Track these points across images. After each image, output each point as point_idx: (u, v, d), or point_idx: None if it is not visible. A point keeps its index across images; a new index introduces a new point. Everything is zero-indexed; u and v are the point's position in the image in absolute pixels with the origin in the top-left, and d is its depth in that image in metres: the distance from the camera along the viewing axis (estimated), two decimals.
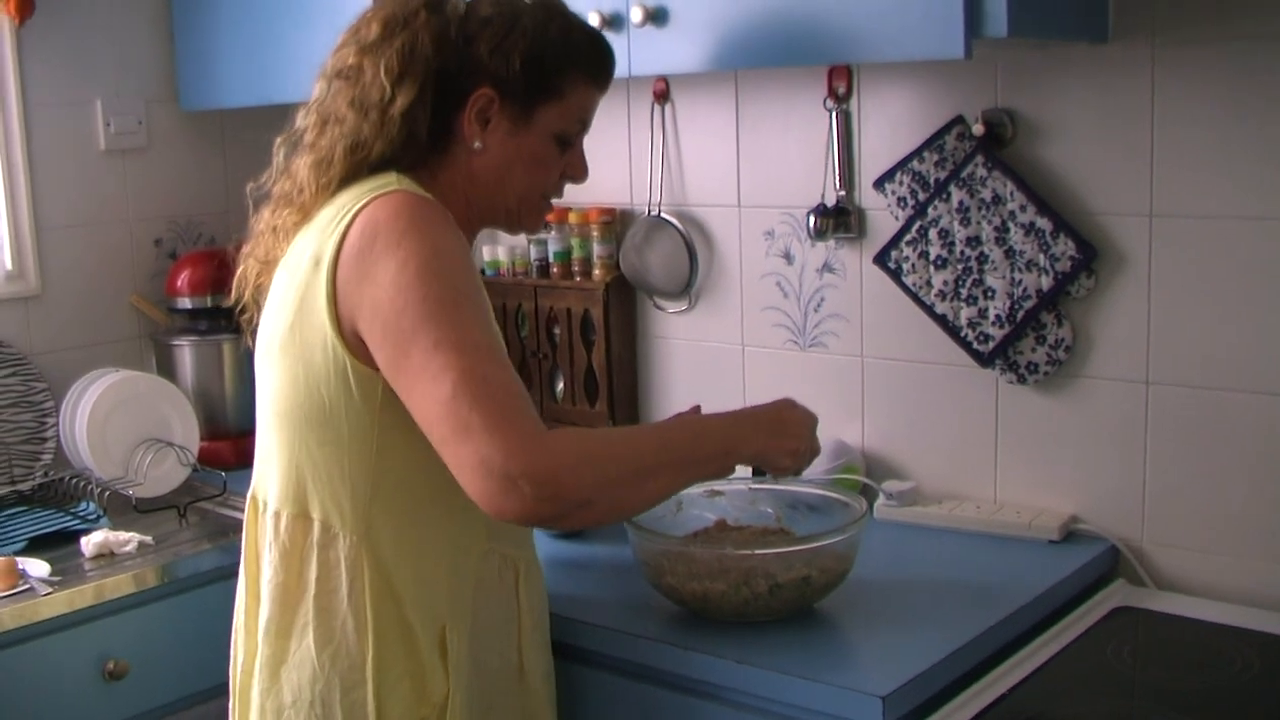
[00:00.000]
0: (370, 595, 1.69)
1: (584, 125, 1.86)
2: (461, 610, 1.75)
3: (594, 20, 2.18)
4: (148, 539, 2.45)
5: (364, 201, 1.65)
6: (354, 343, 1.63)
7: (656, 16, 2.14)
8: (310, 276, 1.66)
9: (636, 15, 2.14)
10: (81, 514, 2.57)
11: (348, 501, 1.69)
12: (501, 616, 1.82)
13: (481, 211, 1.84)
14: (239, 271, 1.86)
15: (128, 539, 2.42)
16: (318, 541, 1.70)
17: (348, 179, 1.73)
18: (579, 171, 1.90)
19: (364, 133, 1.72)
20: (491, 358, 1.58)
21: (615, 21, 2.19)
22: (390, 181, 1.69)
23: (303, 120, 1.81)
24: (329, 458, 1.69)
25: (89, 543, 2.40)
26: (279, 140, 1.84)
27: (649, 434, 1.76)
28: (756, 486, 2.18)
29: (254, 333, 1.82)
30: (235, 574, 1.88)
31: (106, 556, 2.39)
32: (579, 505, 1.58)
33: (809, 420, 1.87)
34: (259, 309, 1.82)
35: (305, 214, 1.75)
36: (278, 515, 1.74)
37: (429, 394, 1.55)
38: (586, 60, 1.83)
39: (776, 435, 1.81)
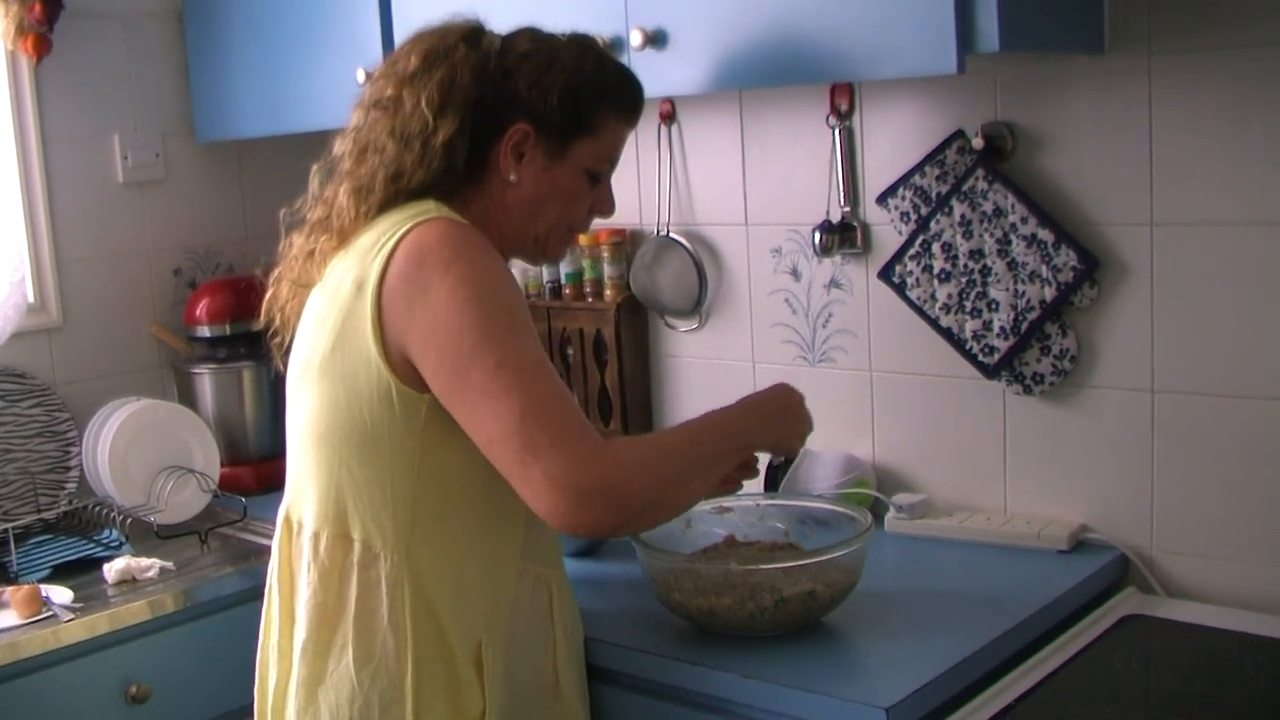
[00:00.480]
0: (410, 614, 1.70)
1: (613, 162, 1.89)
2: (498, 627, 1.76)
3: None
4: (169, 565, 2.46)
5: (406, 228, 1.67)
6: (400, 366, 1.65)
7: (656, 39, 2.15)
8: (353, 301, 1.67)
9: (636, 39, 2.16)
10: (104, 541, 2.59)
11: (389, 522, 1.70)
12: (537, 634, 1.83)
13: (510, 241, 1.85)
14: (270, 294, 1.88)
15: (149, 565, 2.43)
16: (358, 561, 1.72)
17: (385, 206, 1.75)
18: (606, 206, 1.92)
19: (405, 162, 1.74)
20: (550, 377, 1.62)
21: (615, 45, 2.20)
22: (429, 209, 1.71)
23: (340, 148, 1.83)
24: (371, 479, 1.70)
25: (111, 569, 2.41)
26: (315, 167, 1.86)
27: (685, 435, 1.78)
28: (766, 503, 2.19)
29: (285, 355, 1.83)
30: (258, 597, 1.89)
31: (129, 583, 2.40)
32: (642, 510, 1.64)
33: (803, 400, 1.91)
34: (290, 332, 1.84)
35: (343, 239, 1.77)
36: (316, 536, 1.75)
37: (493, 414, 1.58)
38: (619, 97, 1.86)
39: (787, 421, 1.87)
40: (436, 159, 1.75)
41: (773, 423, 1.85)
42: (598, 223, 2.63)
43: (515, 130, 1.78)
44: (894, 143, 2.37)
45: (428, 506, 1.71)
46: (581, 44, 1.86)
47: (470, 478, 1.68)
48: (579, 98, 1.80)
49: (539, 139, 1.79)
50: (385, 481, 1.70)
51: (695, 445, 1.74)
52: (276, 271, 1.88)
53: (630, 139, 2.63)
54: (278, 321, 1.88)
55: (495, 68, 1.79)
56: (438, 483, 1.71)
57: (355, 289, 1.68)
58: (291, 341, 1.84)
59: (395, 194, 1.75)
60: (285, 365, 1.83)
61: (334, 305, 1.71)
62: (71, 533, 2.66)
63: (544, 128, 1.79)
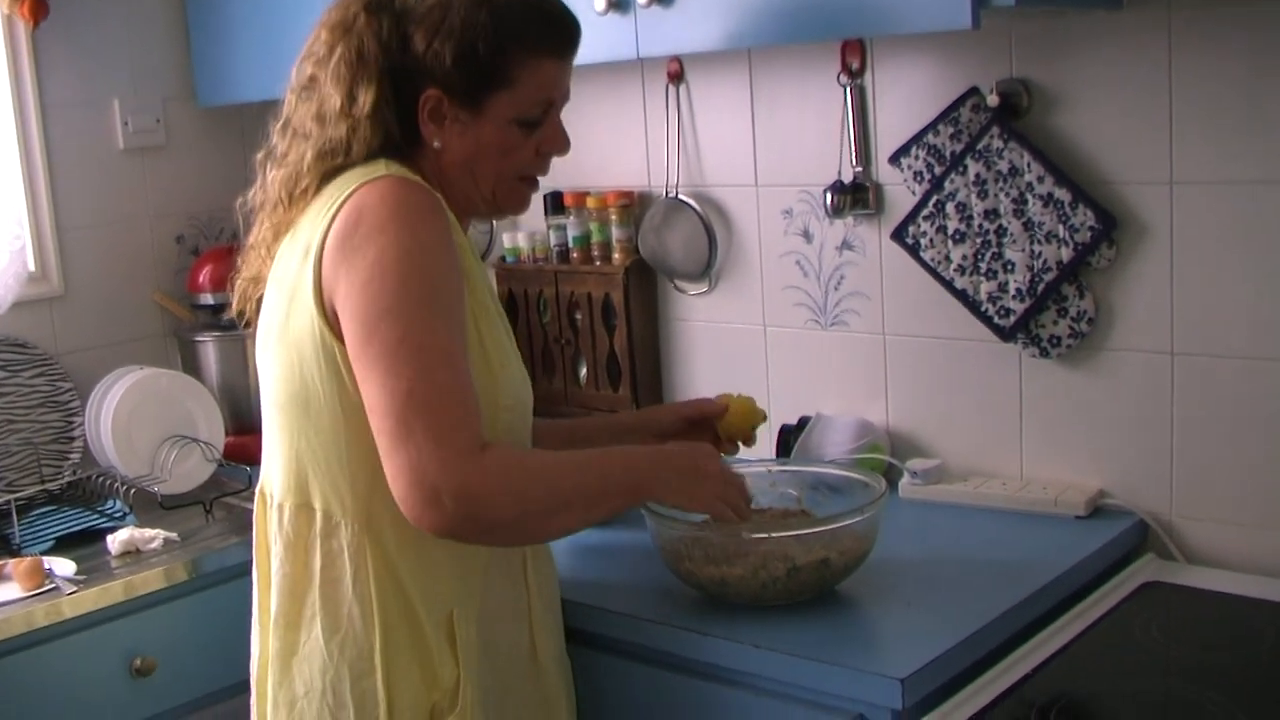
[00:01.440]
0: (374, 583, 1.69)
1: (550, 102, 1.79)
2: (469, 595, 1.75)
3: (599, 4, 2.16)
4: (173, 535, 2.45)
5: (352, 188, 1.65)
6: (339, 327, 1.64)
7: None
8: (300, 266, 1.67)
9: None
10: (108, 512, 2.58)
11: (347, 490, 1.69)
12: (511, 600, 1.82)
13: (460, 202, 1.80)
14: (236, 282, 1.88)
15: (153, 536, 2.42)
16: (320, 531, 1.71)
17: (323, 183, 1.72)
18: (556, 145, 1.83)
19: (333, 139, 1.71)
20: (449, 363, 1.59)
21: (621, 4, 2.17)
22: (379, 168, 1.68)
23: (276, 136, 1.81)
24: (326, 446, 1.69)
25: (115, 540, 2.40)
26: (260, 155, 1.83)
27: (572, 464, 1.72)
28: (777, 469, 2.18)
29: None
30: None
31: (132, 554, 2.39)
32: (490, 529, 1.61)
33: (718, 467, 1.84)
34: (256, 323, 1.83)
35: (281, 230, 1.75)
36: (281, 508, 1.75)
37: (381, 387, 1.57)
38: (533, 37, 1.74)
39: (692, 482, 1.80)
40: (369, 130, 1.70)
41: (677, 480, 1.78)
42: (606, 184, 2.67)
43: (427, 97, 1.72)
44: (907, 101, 2.34)
45: (385, 472, 1.67)
46: None
47: None
48: (476, 54, 1.71)
49: (451, 101, 1.73)
50: (339, 448, 1.68)
51: (577, 476, 1.70)
52: (239, 259, 1.88)
53: (637, 100, 2.67)
54: (249, 313, 1.86)
55: (392, 34, 1.72)
56: None
57: (303, 254, 1.67)
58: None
59: (333, 171, 1.72)
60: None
61: (286, 276, 1.70)
62: (75, 504, 2.65)
63: (451, 89, 1.72)
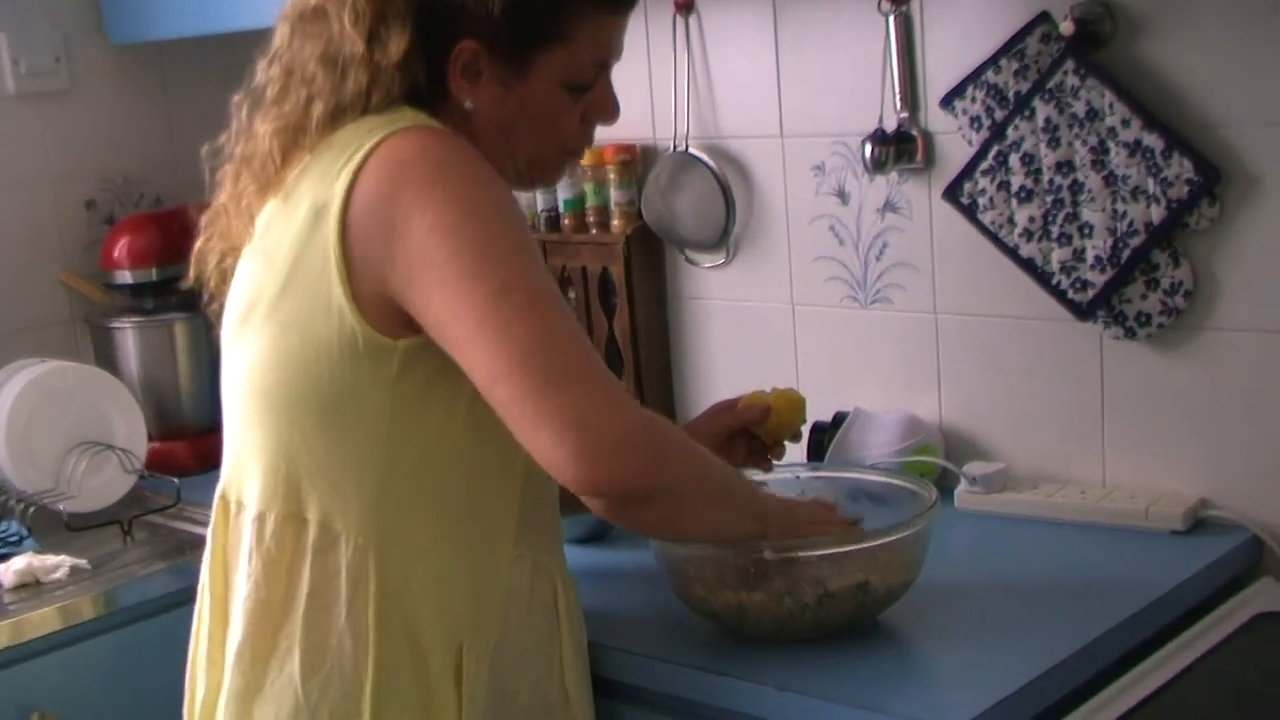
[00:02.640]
0: (374, 611, 1.67)
1: (604, 63, 1.81)
2: (486, 627, 1.74)
3: None
4: (82, 563, 2.43)
5: (377, 138, 1.63)
6: (371, 307, 1.62)
7: None
8: (310, 231, 1.64)
9: None
10: (1, 536, 2.55)
11: (353, 497, 1.68)
12: (539, 638, 1.81)
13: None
14: (198, 246, 1.85)
15: (57, 564, 2.40)
16: (313, 546, 1.69)
17: (331, 133, 1.71)
18: (606, 112, 1.85)
19: (346, 93, 1.70)
20: (565, 307, 1.62)
21: None
22: (404, 116, 1.68)
23: (263, 74, 1.78)
24: (329, 445, 1.67)
25: (8, 570, 2.38)
26: (238, 97, 1.81)
27: (721, 463, 1.81)
28: (808, 474, 2.18)
29: (220, 320, 1.81)
30: (194, 599, 1.86)
31: (31, 586, 2.37)
32: (667, 491, 1.64)
33: (836, 521, 1.92)
34: (223, 297, 1.81)
35: (271, 190, 1.73)
36: (261, 519, 1.72)
37: (499, 345, 1.55)
38: None
39: (807, 527, 1.87)
40: (395, 83, 1.70)
41: (794, 518, 1.86)
42: (602, 137, 2.62)
43: (461, 49, 1.71)
44: (962, 32, 2.33)
45: (400, 479, 1.68)
46: None
47: (453, 444, 1.66)
48: (531, 3, 1.71)
49: (491, 56, 1.72)
50: (348, 449, 1.67)
51: (728, 475, 1.80)
52: (204, 220, 1.85)
53: (640, 36, 2.66)
54: (212, 284, 1.85)
55: None
56: (413, 450, 1.68)
57: (313, 217, 1.64)
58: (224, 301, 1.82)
59: (342, 126, 1.71)
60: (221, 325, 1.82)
61: (280, 248, 1.68)
62: None
63: (494, 43, 1.72)
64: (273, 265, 1.68)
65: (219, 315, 1.82)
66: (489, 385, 1.58)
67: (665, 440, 1.64)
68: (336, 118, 1.70)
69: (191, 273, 1.86)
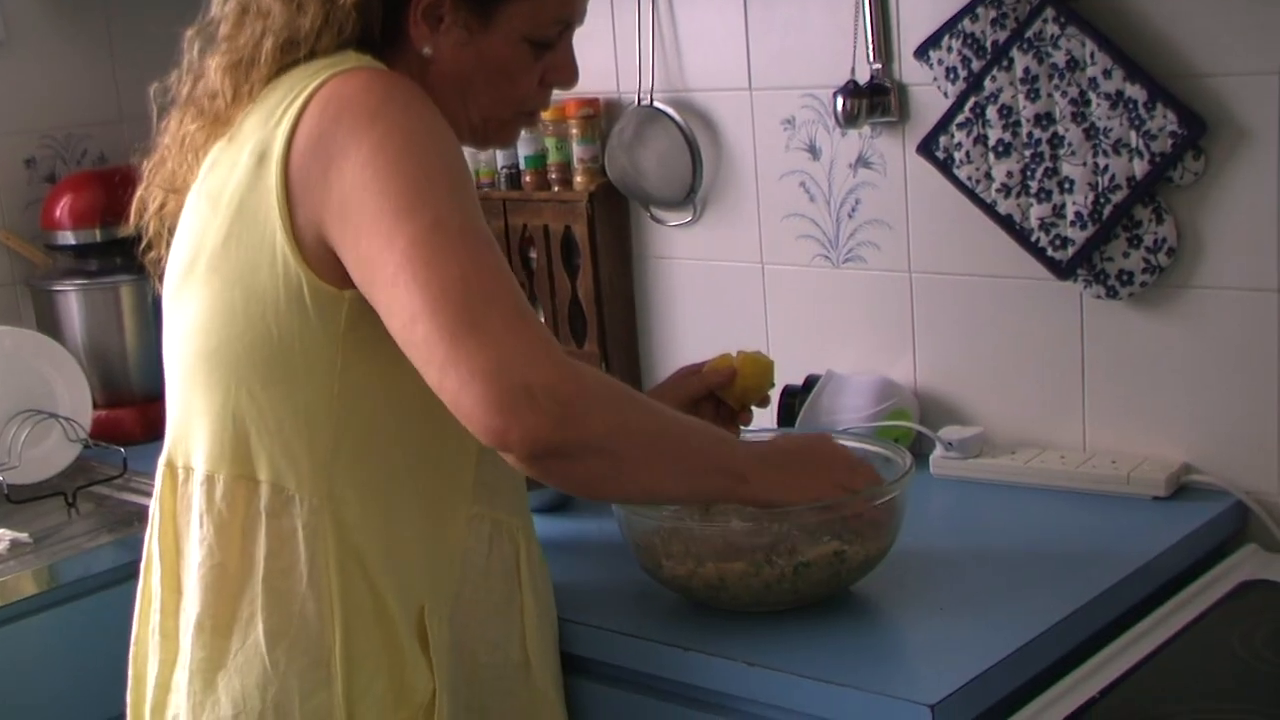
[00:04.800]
0: (336, 571, 1.66)
1: (568, 21, 1.80)
2: (443, 587, 1.74)
3: None
4: (23, 536, 2.41)
5: (321, 79, 1.62)
6: (314, 254, 1.60)
7: None
8: (252, 177, 1.63)
9: None
10: None
11: (304, 455, 1.66)
12: (498, 599, 1.80)
13: None
14: (139, 193, 1.83)
15: None
16: (267, 508, 1.67)
17: (277, 76, 1.70)
18: (565, 75, 1.84)
19: (300, 28, 1.68)
20: (495, 249, 1.58)
21: None
22: (349, 59, 1.66)
23: (218, 8, 1.77)
24: (278, 401, 1.66)
25: None
26: (190, 32, 1.79)
27: (670, 413, 1.74)
28: None
29: (163, 274, 1.79)
30: (139, 574, 1.84)
31: None
32: (593, 449, 1.58)
33: (850, 458, 1.88)
34: (167, 244, 1.79)
35: (220, 127, 1.72)
36: (210, 480, 1.70)
37: (423, 286, 1.51)
38: None
39: (805, 473, 1.81)
40: (349, 23, 1.68)
41: (778, 474, 1.78)
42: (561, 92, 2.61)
43: None
44: None
45: (352, 433, 1.67)
46: None
47: (405, 399, 1.64)
48: None
49: (455, 3, 1.71)
50: (297, 404, 1.65)
51: (683, 428, 1.72)
52: (148, 164, 1.83)
53: None
54: (150, 230, 1.83)
55: None
56: (364, 404, 1.67)
57: (256, 161, 1.63)
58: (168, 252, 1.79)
59: (291, 64, 1.70)
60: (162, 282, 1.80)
61: (224, 193, 1.66)
62: None
63: None
64: (216, 209, 1.67)
65: (157, 264, 1.81)
66: (407, 324, 1.54)
67: (589, 393, 1.56)
68: (287, 51, 1.68)
69: (131, 220, 1.84)
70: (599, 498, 1.84)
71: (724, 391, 2.01)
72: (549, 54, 1.79)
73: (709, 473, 1.73)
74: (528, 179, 2.80)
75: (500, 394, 1.49)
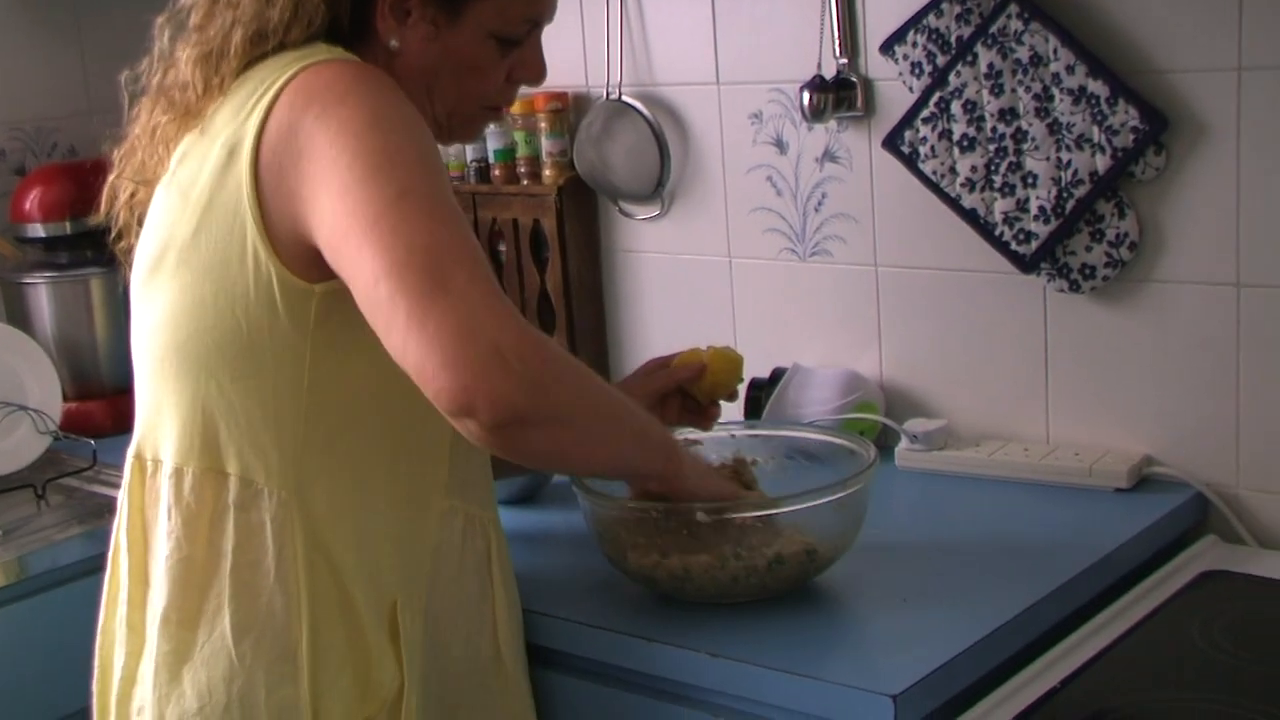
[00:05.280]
0: (304, 565, 1.65)
1: (535, 20, 1.80)
2: (417, 582, 1.73)
3: None
4: None
5: (291, 72, 1.61)
6: (287, 248, 1.59)
7: None
8: (223, 171, 1.61)
9: None
10: None
11: (273, 449, 1.65)
12: (471, 592, 1.80)
13: None
14: (109, 181, 1.82)
15: None
16: (235, 501, 1.66)
17: (248, 69, 1.68)
18: (532, 72, 1.84)
19: (269, 20, 1.67)
20: (463, 221, 1.56)
21: None
22: (319, 51, 1.65)
23: None
24: (248, 395, 1.65)
25: None
26: (161, 20, 1.77)
27: (613, 390, 1.76)
28: (744, 433, 2.16)
29: (132, 264, 1.78)
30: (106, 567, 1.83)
31: None
32: (556, 419, 1.56)
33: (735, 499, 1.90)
34: (137, 233, 1.77)
35: (190, 119, 1.70)
36: (179, 473, 1.69)
37: (389, 249, 1.48)
38: None
39: (707, 484, 1.86)
40: (317, 15, 1.67)
41: (696, 476, 1.83)
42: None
43: None
44: None
45: (322, 427, 1.66)
46: None
47: (377, 391, 1.64)
48: None
49: None
50: (266, 398, 1.65)
51: (627, 409, 1.72)
52: (119, 151, 1.82)
53: None
54: (121, 220, 1.82)
55: None
56: (334, 397, 1.66)
57: (226, 155, 1.62)
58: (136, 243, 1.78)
59: (262, 56, 1.69)
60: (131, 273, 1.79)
61: (195, 185, 1.65)
62: None
63: None
64: (187, 202, 1.66)
65: (127, 254, 1.79)
66: (371, 284, 1.50)
67: (551, 363, 1.53)
68: (256, 44, 1.67)
69: (102, 208, 1.82)
70: (549, 468, 1.84)
71: (693, 386, 2.00)
72: (516, 51, 1.78)
73: (648, 450, 1.75)
74: (497, 172, 2.79)
75: (469, 354, 1.45)
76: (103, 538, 2.23)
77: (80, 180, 2.86)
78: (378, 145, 1.54)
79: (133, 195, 1.79)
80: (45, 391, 2.72)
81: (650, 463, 1.76)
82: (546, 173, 2.73)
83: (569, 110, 2.71)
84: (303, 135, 1.56)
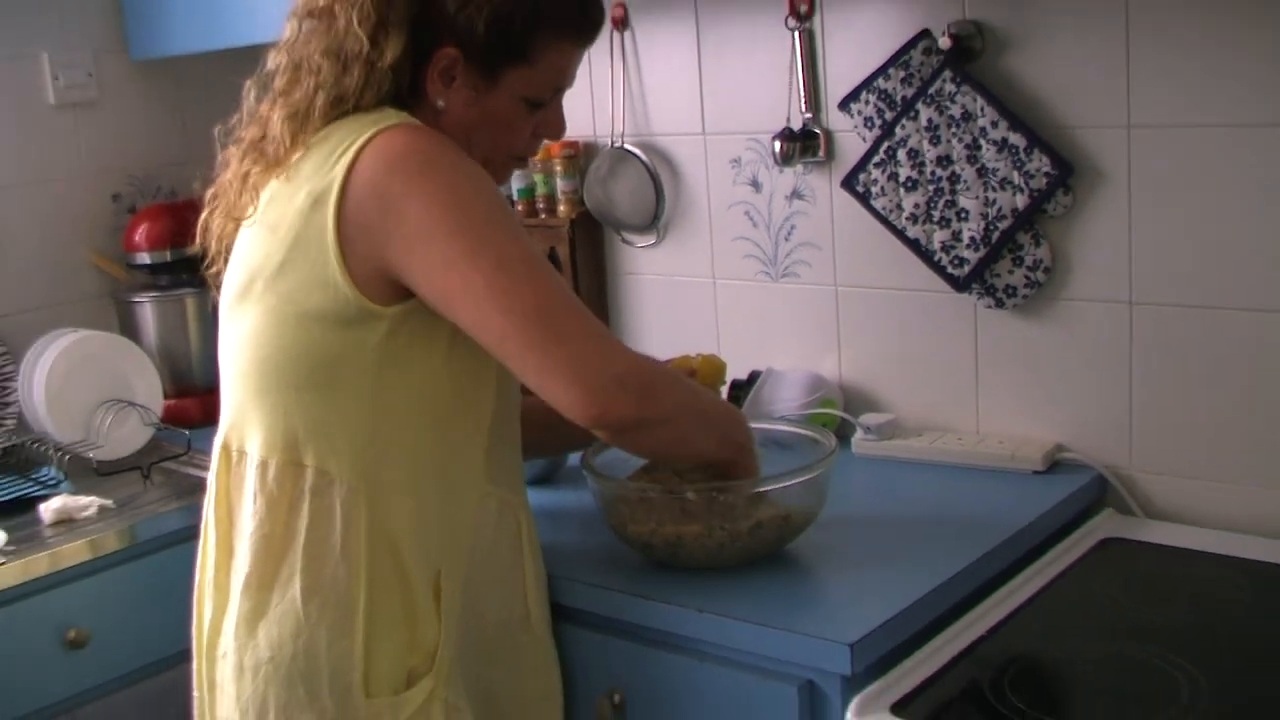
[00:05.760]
0: (366, 543, 1.64)
1: (560, 88, 1.78)
2: (457, 555, 1.72)
3: None
4: (108, 503, 2.37)
5: (369, 134, 1.60)
6: (363, 279, 1.59)
7: None
8: (308, 215, 1.60)
9: None
10: (42, 479, 2.50)
11: (345, 446, 1.64)
12: (504, 564, 1.79)
13: None
14: (203, 218, 1.80)
15: (87, 503, 2.34)
16: (311, 488, 1.65)
17: (327, 125, 1.67)
18: (553, 130, 1.82)
19: (346, 86, 1.66)
20: (552, 271, 1.62)
21: None
22: (390, 115, 1.64)
23: (273, 61, 1.73)
24: (323, 401, 1.64)
25: (48, 509, 2.32)
26: (249, 82, 1.76)
27: (697, 388, 1.82)
28: None
29: (221, 286, 1.76)
30: (199, 534, 1.81)
31: (66, 522, 2.31)
32: (661, 420, 1.65)
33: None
34: (225, 262, 1.76)
35: (277, 166, 1.68)
36: (264, 465, 1.68)
37: (506, 308, 1.55)
38: (562, 22, 1.72)
39: (739, 449, 1.83)
40: (386, 82, 1.66)
41: (750, 460, 1.83)
42: None
43: (442, 54, 1.67)
44: (857, 45, 2.28)
45: (385, 428, 1.65)
46: None
47: (430, 397, 1.64)
48: (510, 25, 1.67)
49: (468, 65, 1.68)
50: (340, 404, 1.64)
51: (714, 406, 1.81)
52: (210, 191, 1.80)
53: None
54: (213, 248, 1.79)
55: None
56: (396, 402, 1.65)
57: (311, 203, 1.60)
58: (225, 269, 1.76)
59: (339, 116, 1.67)
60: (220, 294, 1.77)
61: (281, 226, 1.64)
62: (7, 471, 2.57)
63: (472, 54, 1.67)
64: (274, 237, 1.64)
65: (216, 278, 1.78)
66: (499, 345, 1.58)
67: (655, 376, 1.64)
68: (335, 106, 1.66)
69: (197, 239, 1.81)
70: (654, 455, 1.84)
71: None
72: (542, 111, 1.76)
73: (725, 445, 1.78)
74: (519, 207, 2.75)
75: (596, 388, 1.56)
76: (196, 511, 2.22)
77: (179, 217, 2.84)
78: (471, 218, 1.58)
79: (223, 230, 1.77)
80: (149, 390, 2.70)
81: (724, 452, 1.79)
82: (561, 208, 2.70)
83: (580, 156, 2.68)
84: (390, 196, 1.57)
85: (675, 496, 1.81)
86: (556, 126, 1.81)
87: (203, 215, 1.79)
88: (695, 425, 1.73)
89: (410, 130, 1.61)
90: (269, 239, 1.65)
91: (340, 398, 1.64)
